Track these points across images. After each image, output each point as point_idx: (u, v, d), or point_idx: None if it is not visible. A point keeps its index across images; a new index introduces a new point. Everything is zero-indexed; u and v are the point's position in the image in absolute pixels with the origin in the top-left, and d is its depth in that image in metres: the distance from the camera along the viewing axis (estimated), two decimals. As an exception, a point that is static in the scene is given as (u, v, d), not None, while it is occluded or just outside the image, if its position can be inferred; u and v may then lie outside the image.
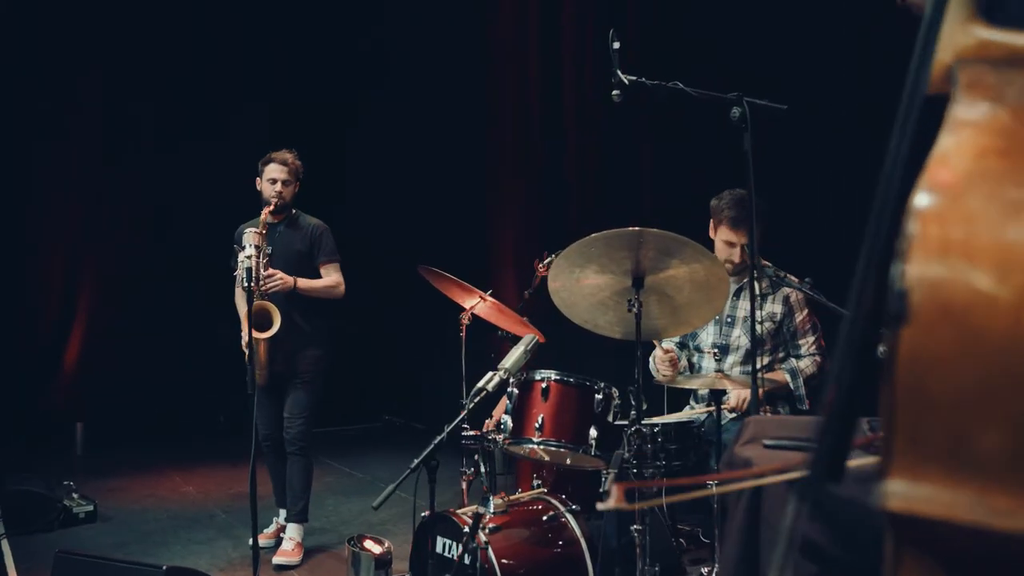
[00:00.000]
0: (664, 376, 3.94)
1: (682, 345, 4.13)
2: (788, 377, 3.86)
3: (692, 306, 3.30)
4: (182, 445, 7.39)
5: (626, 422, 3.47)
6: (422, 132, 7.71)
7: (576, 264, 3.20)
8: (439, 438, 3.18)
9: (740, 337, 3.93)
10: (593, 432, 3.29)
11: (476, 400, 3.28)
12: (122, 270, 7.69)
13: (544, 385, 3.35)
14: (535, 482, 3.96)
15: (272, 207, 4.55)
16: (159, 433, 7.42)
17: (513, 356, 3.36)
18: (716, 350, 3.70)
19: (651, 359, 4.18)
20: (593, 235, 3.09)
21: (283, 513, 4.92)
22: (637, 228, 3.03)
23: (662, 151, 5.84)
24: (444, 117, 7.42)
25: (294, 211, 4.77)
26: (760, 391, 3.81)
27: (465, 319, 4.12)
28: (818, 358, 3.89)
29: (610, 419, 3.38)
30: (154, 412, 7.49)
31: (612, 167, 6.06)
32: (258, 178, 4.73)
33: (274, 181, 4.63)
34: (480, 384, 3.30)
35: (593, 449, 3.28)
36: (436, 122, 7.51)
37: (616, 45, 3.45)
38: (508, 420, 3.43)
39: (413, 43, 7.86)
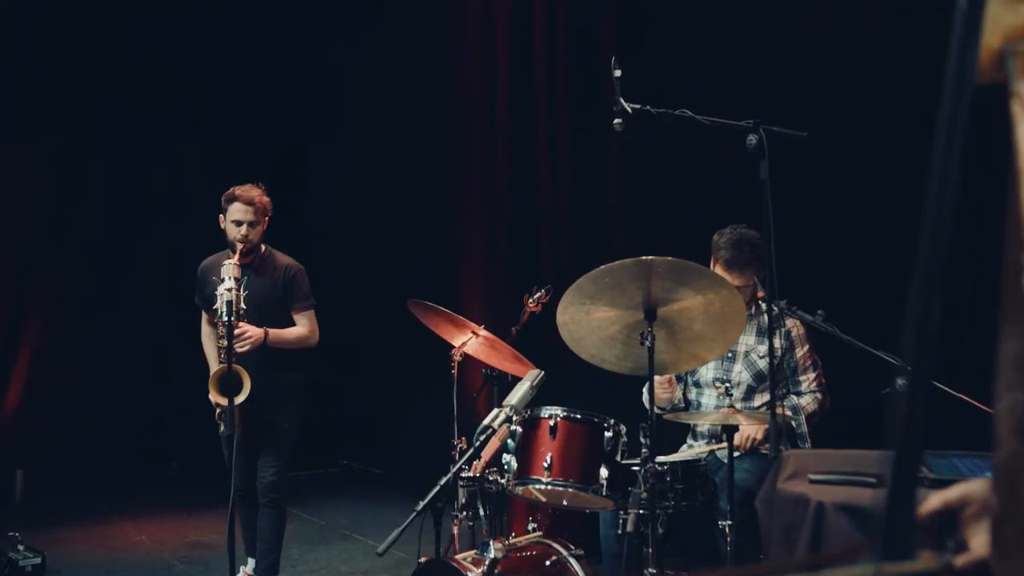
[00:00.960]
0: (661, 400, 3.83)
1: (678, 379, 4.02)
2: (790, 414, 3.77)
3: (703, 340, 3.20)
4: (132, 493, 7.02)
5: (635, 460, 3.34)
6: (383, 162, 7.54)
7: (587, 296, 3.08)
8: (445, 479, 3.01)
9: (741, 372, 3.84)
10: (604, 472, 3.15)
11: (484, 439, 3.13)
12: (66, 307, 7.32)
13: (552, 423, 3.20)
14: (530, 525, 3.80)
15: (238, 253, 4.19)
16: (107, 480, 7.04)
17: (519, 392, 3.22)
18: (726, 384, 3.59)
19: (644, 390, 4.06)
20: (606, 265, 2.97)
21: (251, 563, 4.65)
22: (651, 257, 2.93)
23: (633, 180, 5.76)
24: (408, 149, 7.27)
25: (264, 249, 4.45)
26: (764, 428, 3.73)
27: (457, 356, 3.96)
28: (819, 395, 3.82)
29: (618, 458, 3.25)
30: (101, 457, 7.10)
31: (585, 197, 5.98)
32: (221, 215, 4.38)
33: (239, 223, 4.26)
34: (486, 421, 3.16)
35: (604, 489, 3.14)
36: (400, 153, 7.35)
37: (618, 73, 3.38)
38: (512, 460, 3.26)
39: (376, 73, 7.72)
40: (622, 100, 3.39)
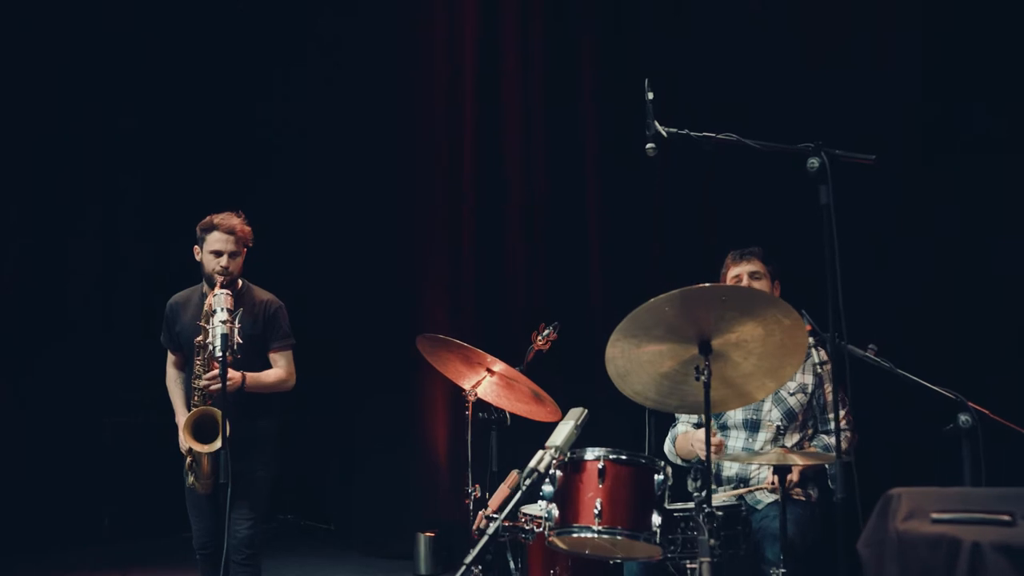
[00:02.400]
0: (687, 454, 3.64)
1: (698, 425, 3.82)
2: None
3: (755, 376, 3.00)
4: (59, 554, 6.37)
5: (680, 505, 3.12)
6: (334, 189, 7.11)
7: (642, 327, 2.86)
8: (494, 527, 2.73)
9: (771, 411, 3.66)
10: (656, 518, 2.91)
11: (528, 483, 2.86)
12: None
13: (600, 465, 2.94)
14: (551, 579, 3.51)
15: (218, 285, 3.82)
16: (28, 541, 6.36)
17: (563, 433, 2.96)
18: (777, 424, 3.39)
19: (670, 441, 3.85)
20: (668, 293, 2.77)
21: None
22: (712, 284, 2.76)
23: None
24: (360, 174, 6.89)
25: (241, 283, 4.08)
26: (799, 471, 3.56)
27: (472, 396, 3.66)
28: (849, 433, 3.67)
29: (666, 503, 3.02)
30: (21, 515, 6.41)
31: (559, 227, 5.81)
32: (196, 247, 4.04)
33: (218, 254, 3.92)
34: (532, 465, 2.89)
35: (657, 536, 2.89)
36: (350, 177, 6.95)
37: (650, 95, 3.21)
38: (552, 508, 2.99)
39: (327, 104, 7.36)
40: (657, 124, 3.22)
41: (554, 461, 2.90)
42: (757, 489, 3.52)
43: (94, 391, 6.70)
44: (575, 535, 2.94)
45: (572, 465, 3.00)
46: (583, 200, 5.73)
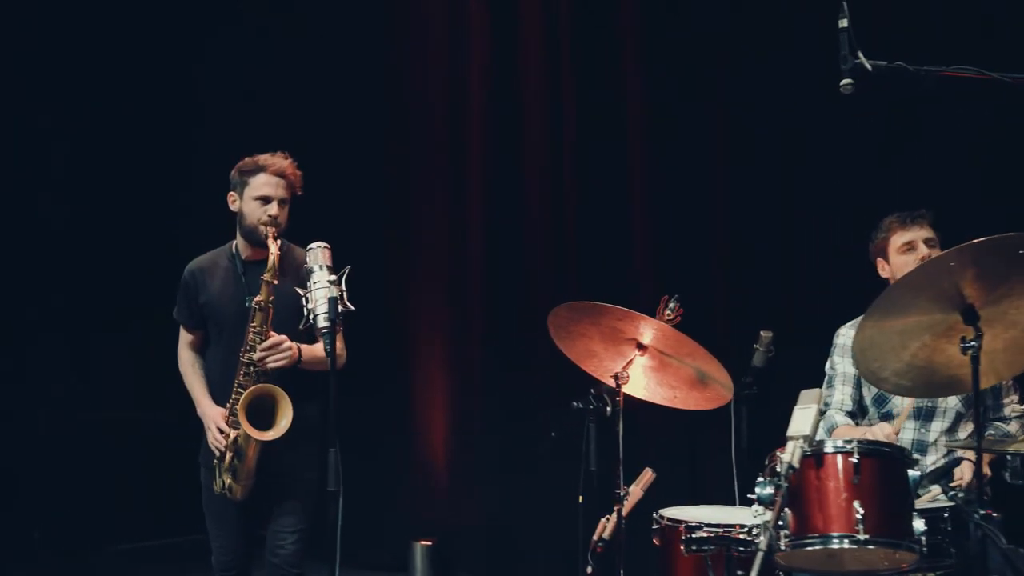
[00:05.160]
0: None
1: (852, 415, 3.33)
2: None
3: (1007, 353, 2.55)
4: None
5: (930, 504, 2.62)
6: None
7: (910, 294, 2.35)
8: (764, 540, 2.14)
9: (948, 398, 3.20)
10: (919, 523, 2.39)
11: (786, 485, 2.28)
12: None
13: (855, 459, 2.38)
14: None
15: (271, 238, 3.15)
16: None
17: (808, 419, 2.40)
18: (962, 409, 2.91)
19: (824, 432, 3.32)
20: (955, 248, 2.27)
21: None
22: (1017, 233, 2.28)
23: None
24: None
25: (280, 241, 3.33)
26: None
27: (624, 379, 3.01)
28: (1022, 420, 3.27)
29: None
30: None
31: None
32: (232, 193, 3.33)
33: (266, 200, 3.25)
34: (786, 458, 2.31)
35: (922, 546, 2.37)
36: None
37: (844, 23, 2.69)
38: (787, 514, 2.41)
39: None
40: (861, 55, 2.70)
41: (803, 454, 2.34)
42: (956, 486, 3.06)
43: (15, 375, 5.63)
44: (827, 546, 2.36)
45: (813, 459, 2.43)
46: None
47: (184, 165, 6.12)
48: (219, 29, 6.26)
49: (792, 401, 3.13)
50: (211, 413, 3.30)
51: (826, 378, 3.42)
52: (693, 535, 2.65)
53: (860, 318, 3.38)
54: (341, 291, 2.74)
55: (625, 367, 3.01)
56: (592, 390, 3.43)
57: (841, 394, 3.35)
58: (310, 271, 2.80)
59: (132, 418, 6.01)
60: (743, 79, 4.60)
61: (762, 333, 3.38)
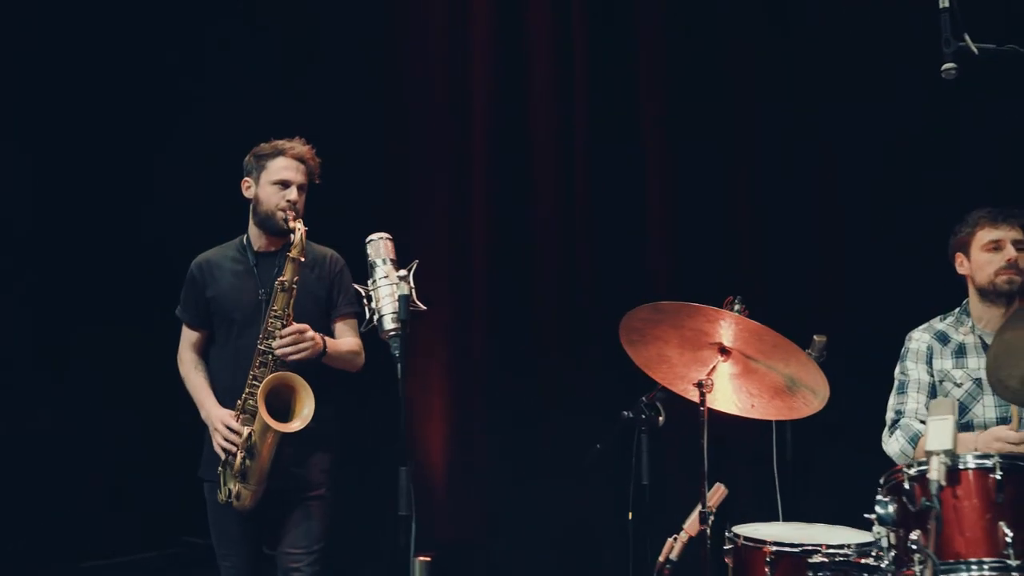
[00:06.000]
0: None
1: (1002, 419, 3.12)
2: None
3: None
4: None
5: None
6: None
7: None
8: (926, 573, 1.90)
9: (1023, 405, 3.02)
10: (1061, 544, 2.18)
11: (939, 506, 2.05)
12: None
13: (999, 476, 2.17)
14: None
15: (292, 220, 2.99)
16: None
17: (947, 432, 2.19)
18: None
19: (907, 443, 3.10)
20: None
21: None
22: None
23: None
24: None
25: None
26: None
27: (708, 387, 2.74)
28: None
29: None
30: None
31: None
32: (247, 179, 3.14)
33: (285, 184, 3.07)
34: (932, 477, 2.09)
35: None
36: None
37: (945, 2, 2.51)
38: (916, 535, 2.18)
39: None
40: (967, 37, 2.51)
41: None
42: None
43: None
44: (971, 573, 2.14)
45: (949, 476, 2.21)
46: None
47: (177, 166, 5.75)
48: (217, 23, 5.92)
49: (838, 411, 2.96)
50: (218, 413, 3.03)
51: (896, 384, 3.21)
52: (811, 560, 2.40)
53: (932, 321, 3.24)
54: (411, 287, 2.43)
55: (709, 373, 2.75)
56: (643, 398, 3.21)
57: (915, 402, 3.14)
58: (373, 265, 2.52)
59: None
60: (767, 75, 4.44)
61: (815, 338, 3.21)
